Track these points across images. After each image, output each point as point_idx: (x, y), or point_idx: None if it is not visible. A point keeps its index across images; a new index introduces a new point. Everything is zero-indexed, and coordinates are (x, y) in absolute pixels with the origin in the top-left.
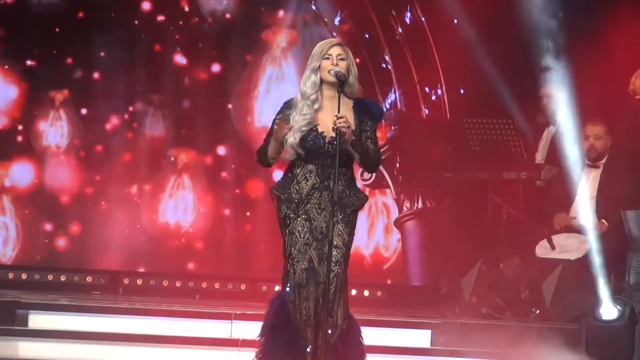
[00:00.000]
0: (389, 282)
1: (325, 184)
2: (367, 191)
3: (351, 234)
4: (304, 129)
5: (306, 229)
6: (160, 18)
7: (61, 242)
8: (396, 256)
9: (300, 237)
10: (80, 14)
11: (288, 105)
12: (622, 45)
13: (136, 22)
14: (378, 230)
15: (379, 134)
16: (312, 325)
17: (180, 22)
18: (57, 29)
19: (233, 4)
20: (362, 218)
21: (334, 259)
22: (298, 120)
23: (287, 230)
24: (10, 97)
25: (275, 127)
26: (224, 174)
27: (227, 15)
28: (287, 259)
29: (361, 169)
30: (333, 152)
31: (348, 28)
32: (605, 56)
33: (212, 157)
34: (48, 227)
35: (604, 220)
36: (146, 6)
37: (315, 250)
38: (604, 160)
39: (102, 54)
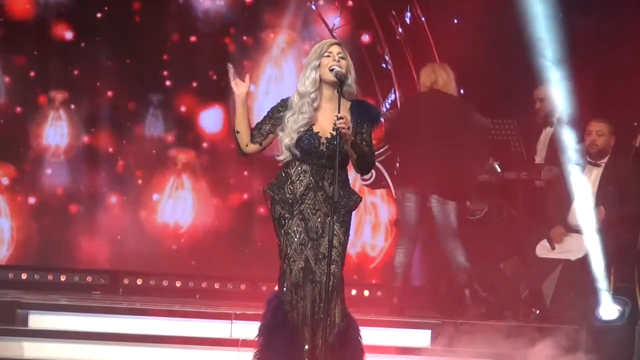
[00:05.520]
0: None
1: (320, 184)
2: (358, 189)
3: (346, 233)
4: (302, 129)
5: (301, 228)
6: (159, 18)
7: (59, 242)
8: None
9: (296, 237)
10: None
11: (284, 105)
12: (623, 45)
13: (134, 21)
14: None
15: (379, 134)
16: (310, 325)
17: (179, 22)
18: (57, 29)
19: (233, 4)
20: None
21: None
22: (296, 120)
23: (282, 231)
24: (10, 96)
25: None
26: (223, 174)
27: (227, 15)
28: (283, 258)
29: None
30: (328, 152)
31: (348, 28)
32: (607, 55)
33: (212, 157)
34: (46, 226)
35: (602, 207)
36: (140, 5)
37: (311, 250)
38: (605, 160)
39: (101, 54)
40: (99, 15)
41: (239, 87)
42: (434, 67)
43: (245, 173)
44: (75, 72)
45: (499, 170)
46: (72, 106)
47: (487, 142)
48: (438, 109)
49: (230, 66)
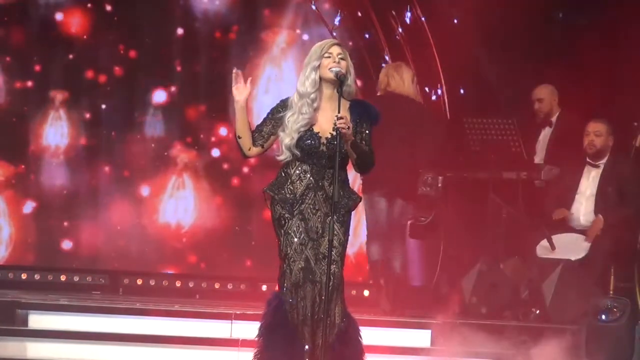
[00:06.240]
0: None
1: (320, 184)
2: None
3: (346, 233)
4: (302, 129)
5: (302, 228)
6: (160, 18)
7: (60, 242)
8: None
9: (296, 237)
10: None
11: (284, 105)
12: (623, 44)
13: (135, 21)
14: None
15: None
16: (310, 325)
17: (179, 22)
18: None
19: (233, 4)
20: None
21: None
22: (296, 120)
23: (282, 231)
24: (10, 96)
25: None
26: (224, 174)
27: (227, 15)
28: (283, 258)
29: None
30: (328, 152)
31: (348, 28)
32: (606, 55)
33: (213, 156)
34: (46, 226)
35: (600, 216)
36: (141, 5)
37: (311, 250)
38: (604, 160)
39: (102, 54)
40: (106, 9)
41: (240, 93)
42: (388, 69)
43: (245, 170)
44: (76, 71)
45: (440, 185)
46: (73, 106)
47: (442, 146)
48: (390, 111)
49: (236, 71)
